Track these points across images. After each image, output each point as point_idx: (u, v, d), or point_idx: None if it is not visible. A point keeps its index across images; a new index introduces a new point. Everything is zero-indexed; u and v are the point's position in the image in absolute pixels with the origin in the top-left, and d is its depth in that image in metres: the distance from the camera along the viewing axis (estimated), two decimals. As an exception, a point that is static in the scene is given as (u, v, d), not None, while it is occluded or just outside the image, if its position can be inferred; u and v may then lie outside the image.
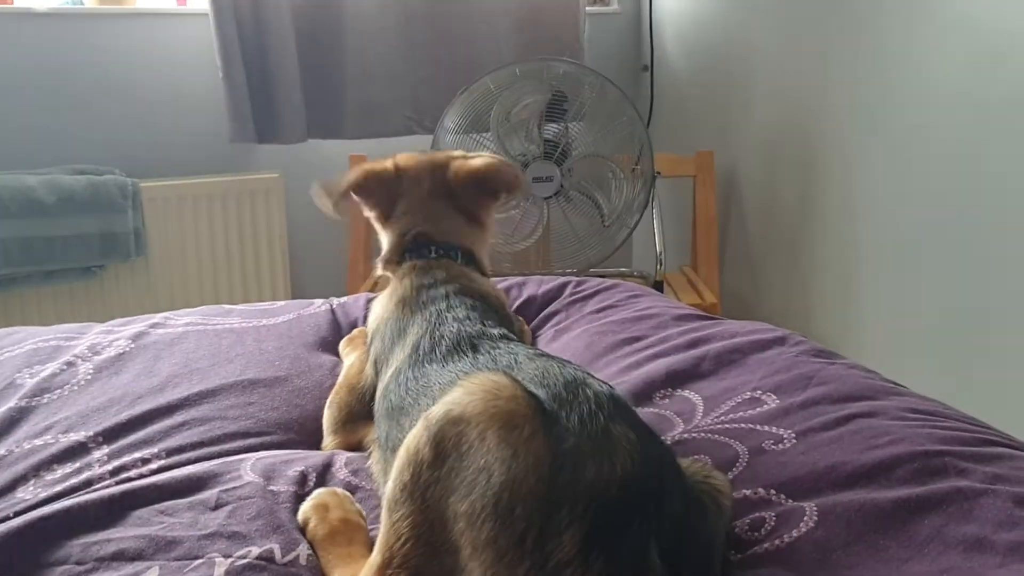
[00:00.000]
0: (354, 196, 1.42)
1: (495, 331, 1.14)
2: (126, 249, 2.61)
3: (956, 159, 1.94)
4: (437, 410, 0.86)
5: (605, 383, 0.94)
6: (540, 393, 0.86)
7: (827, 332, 2.44)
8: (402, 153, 1.46)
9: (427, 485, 0.83)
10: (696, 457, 1.05)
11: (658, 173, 2.55)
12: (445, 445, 0.83)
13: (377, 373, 1.21)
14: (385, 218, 1.41)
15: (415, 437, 0.86)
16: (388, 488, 0.87)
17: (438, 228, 1.38)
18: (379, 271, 1.41)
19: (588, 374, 0.95)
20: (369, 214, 1.45)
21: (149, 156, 2.78)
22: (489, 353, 1.06)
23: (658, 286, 2.61)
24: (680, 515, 0.84)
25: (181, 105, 2.82)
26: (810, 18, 2.45)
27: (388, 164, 1.41)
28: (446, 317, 1.18)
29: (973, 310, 1.93)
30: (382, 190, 1.40)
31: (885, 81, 2.14)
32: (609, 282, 1.80)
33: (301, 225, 2.91)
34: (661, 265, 2.65)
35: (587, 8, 3.17)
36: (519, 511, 0.78)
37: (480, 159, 1.43)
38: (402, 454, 0.87)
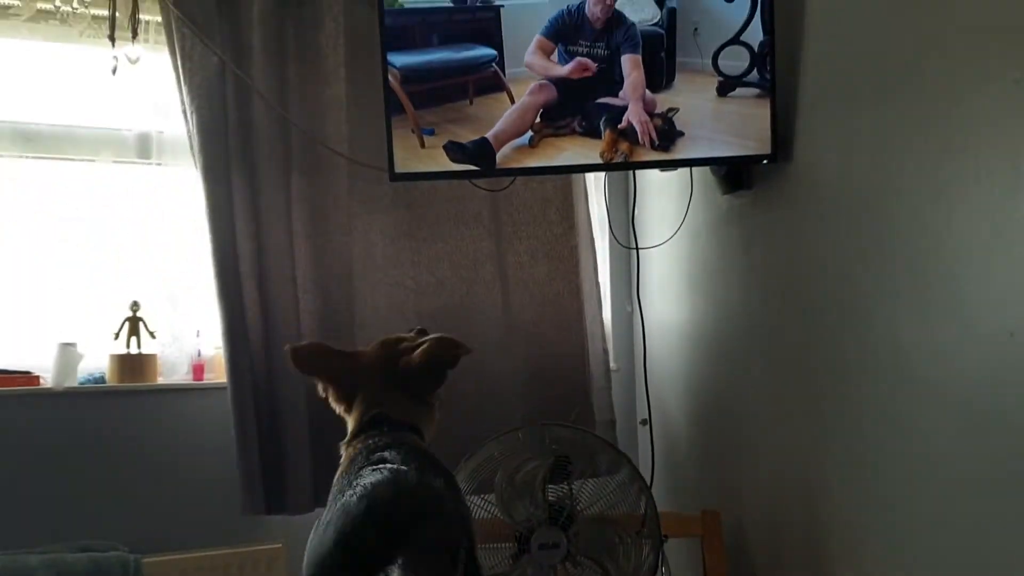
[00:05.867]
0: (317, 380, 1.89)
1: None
2: (125, 627, 2.52)
3: (964, 503, 1.95)
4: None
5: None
6: None
7: None
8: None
9: None
10: None
11: (665, 537, 2.53)
12: None
13: None
14: (348, 407, 1.84)
15: None
16: None
17: (392, 410, 1.79)
18: (343, 450, 1.74)
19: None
20: (335, 404, 1.88)
21: (154, 529, 2.77)
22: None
23: (675, 655, 2.49)
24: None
25: (190, 478, 2.84)
26: (800, 370, 2.55)
27: (347, 359, 1.88)
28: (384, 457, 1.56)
29: None
30: (344, 379, 1.86)
31: (881, 432, 2.20)
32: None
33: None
34: (676, 631, 2.55)
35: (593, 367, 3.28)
36: None
37: (421, 351, 1.84)
38: None
